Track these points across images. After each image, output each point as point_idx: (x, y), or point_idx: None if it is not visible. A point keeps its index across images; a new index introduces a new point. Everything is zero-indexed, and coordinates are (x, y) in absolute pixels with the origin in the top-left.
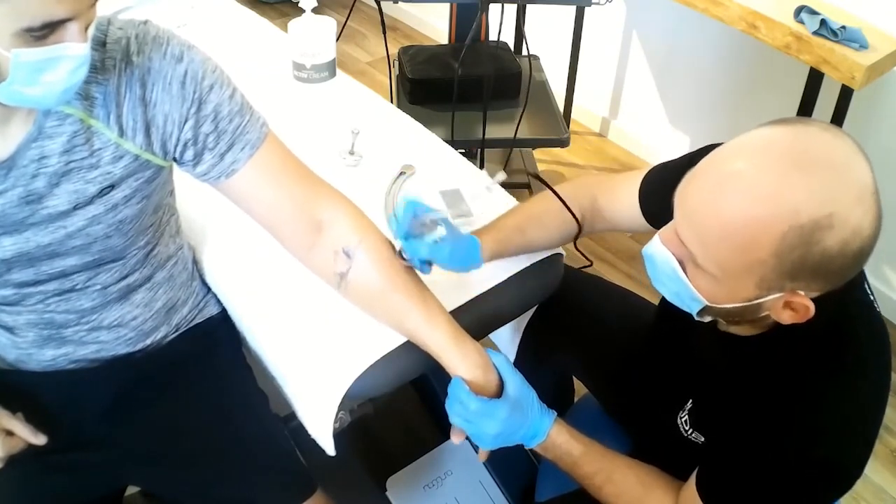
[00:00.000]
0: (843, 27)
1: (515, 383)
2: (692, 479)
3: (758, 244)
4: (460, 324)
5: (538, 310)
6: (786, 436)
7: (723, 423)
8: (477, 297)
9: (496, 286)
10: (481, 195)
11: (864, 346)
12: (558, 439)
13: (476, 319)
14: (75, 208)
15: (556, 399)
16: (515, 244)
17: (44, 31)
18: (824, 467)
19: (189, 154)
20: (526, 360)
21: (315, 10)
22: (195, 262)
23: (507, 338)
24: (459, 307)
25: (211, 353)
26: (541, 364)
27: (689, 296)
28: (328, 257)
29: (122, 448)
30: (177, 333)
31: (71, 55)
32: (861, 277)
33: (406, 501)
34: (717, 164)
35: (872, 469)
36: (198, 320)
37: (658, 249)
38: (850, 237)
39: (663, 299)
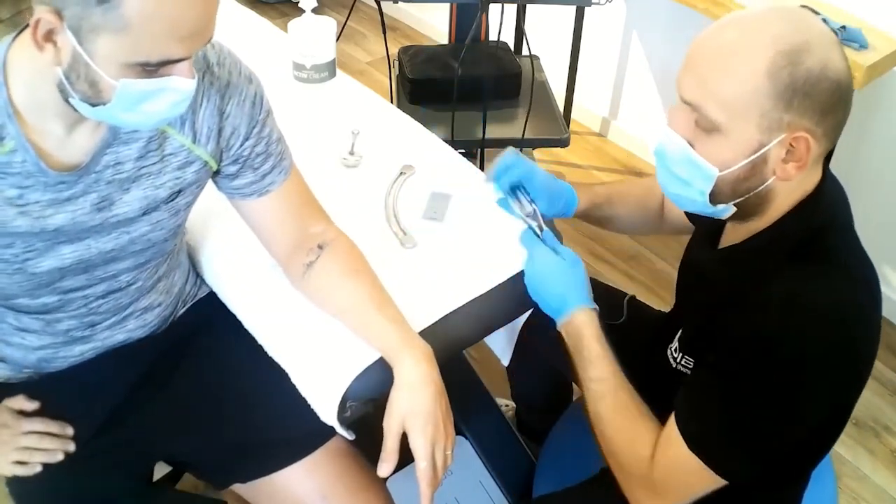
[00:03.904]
0: (844, 27)
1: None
2: (671, 419)
3: (752, 68)
4: (459, 326)
5: (534, 311)
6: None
7: (710, 337)
8: (475, 298)
9: (494, 288)
10: (469, 205)
11: (845, 258)
12: (587, 327)
13: (474, 321)
14: (144, 214)
15: (554, 399)
16: (603, 211)
17: (157, 67)
18: (795, 364)
19: (233, 168)
20: (522, 362)
21: (315, 10)
22: (189, 256)
23: (503, 340)
24: (458, 309)
25: (216, 321)
26: (537, 365)
27: (700, 175)
28: (302, 254)
29: (148, 424)
30: (184, 308)
31: (176, 88)
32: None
33: (406, 501)
34: (709, 29)
35: (872, 469)
36: (200, 295)
37: (666, 132)
38: (828, 63)
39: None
